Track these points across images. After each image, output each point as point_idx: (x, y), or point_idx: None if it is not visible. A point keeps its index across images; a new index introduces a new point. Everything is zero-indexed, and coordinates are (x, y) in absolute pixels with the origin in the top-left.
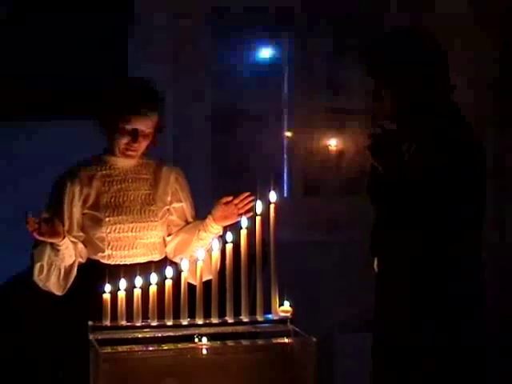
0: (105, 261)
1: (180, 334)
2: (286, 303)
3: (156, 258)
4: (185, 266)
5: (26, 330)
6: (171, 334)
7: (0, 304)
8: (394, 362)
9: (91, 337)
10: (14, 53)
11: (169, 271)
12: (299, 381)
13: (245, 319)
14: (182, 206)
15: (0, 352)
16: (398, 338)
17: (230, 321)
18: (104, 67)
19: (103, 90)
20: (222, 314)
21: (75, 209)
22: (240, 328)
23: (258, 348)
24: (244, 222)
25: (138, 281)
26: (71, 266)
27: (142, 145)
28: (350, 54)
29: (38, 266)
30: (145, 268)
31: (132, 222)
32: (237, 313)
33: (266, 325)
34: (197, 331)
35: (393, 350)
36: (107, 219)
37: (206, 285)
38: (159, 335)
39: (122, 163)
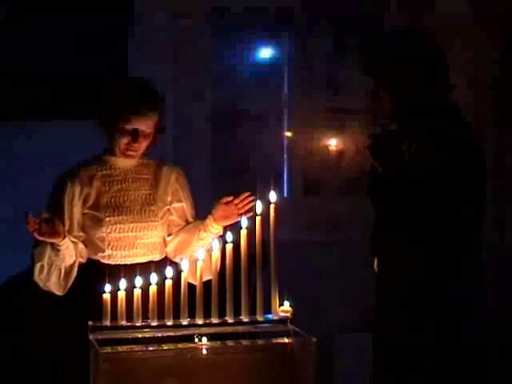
0: (105, 261)
1: (180, 334)
2: (286, 303)
3: (156, 257)
4: (185, 265)
5: (26, 330)
6: (171, 333)
7: (0, 304)
8: (394, 362)
9: (91, 337)
10: (14, 53)
11: (169, 271)
12: (299, 381)
13: (245, 319)
14: (183, 206)
15: (0, 352)
16: (398, 338)
17: (230, 321)
18: (104, 67)
19: (103, 89)
20: (222, 314)
21: (75, 209)
22: (240, 328)
23: (258, 348)
24: (244, 222)
25: (138, 281)
26: (71, 266)
27: (143, 145)
28: (349, 54)
29: (38, 265)
30: (145, 268)
31: (132, 222)
32: (237, 313)
33: (266, 325)
34: (197, 331)
35: (393, 350)
36: (107, 219)
37: (206, 285)
38: (159, 335)
39: (123, 163)
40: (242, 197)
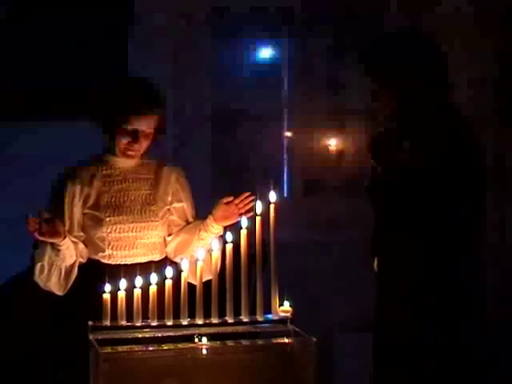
0: (105, 261)
1: (180, 334)
2: (286, 303)
3: (156, 257)
4: (185, 265)
5: (26, 330)
6: (171, 333)
7: (0, 304)
8: (394, 362)
9: (91, 337)
10: (14, 53)
11: (169, 271)
12: (299, 381)
13: (245, 319)
14: (183, 206)
15: (0, 352)
16: (398, 338)
17: (230, 321)
18: (104, 67)
19: (103, 90)
20: (222, 314)
21: (76, 209)
22: (240, 328)
23: (258, 348)
24: (244, 221)
25: (138, 281)
26: (72, 265)
27: (143, 145)
28: (349, 54)
29: (38, 266)
30: (145, 268)
31: (132, 222)
32: (237, 313)
33: (266, 325)
34: (197, 331)
35: (393, 350)
36: (108, 219)
37: (206, 285)
38: (159, 335)
39: (123, 163)
40: (242, 197)
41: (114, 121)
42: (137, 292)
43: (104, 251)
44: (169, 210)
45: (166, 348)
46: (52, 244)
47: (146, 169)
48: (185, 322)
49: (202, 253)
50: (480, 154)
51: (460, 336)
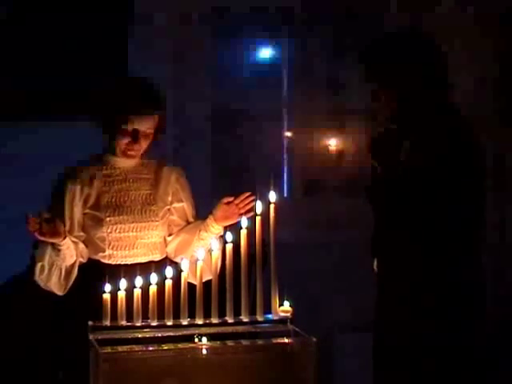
0: (105, 261)
1: (180, 334)
2: (286, 303)
3: (157, 257)
4: (185, 265)
5: (26, 330)
6: (171, 333)
7: (0, 304)
8: (394, 362)
9: (91, 337)
10: (14, 53)
11: (169, 271)
12: (299, 381)
13: (245, 319)
14: (183, 206)
15: (0, 352)
16: (398, 338)
17: (230, 321)
18: (104, 67)
19: (103, 90)
20: (222, 314)
21: (76, 209)
22: (240, 328)
23: (258, 348)
24: (244, 221)
25: (138, 281)
26: (72, 265)
27: (143, 145)
28: (349, 54)
29: (39, 266)
30: (145, 268)
31: (133, 222)
32: (237, 313)
33: (266, 325)
34: (197, 331)
35: (393, 350)
36: (108, 219)
37: (206, 285)
38: (159, 335)
39: (123, 163)
40: (242, 197)
41: (113, 121)
42: (137, 292)
43: (104, 251)
44: (169, 209)
45: (166, 348)
46: (52, 244)
47: (146, 169)
48: (185, 322)
49: (202, 253)
50: (480, 154)
51: (460, 336)
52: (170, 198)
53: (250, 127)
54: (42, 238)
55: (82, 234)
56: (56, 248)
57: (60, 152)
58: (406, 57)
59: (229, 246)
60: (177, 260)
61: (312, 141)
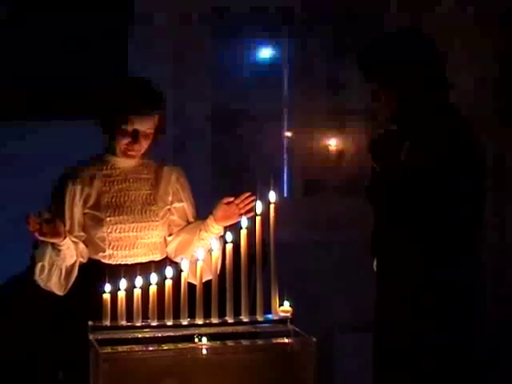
0: (106, 260)
1: (180, 334)
2: (286, 303)
3: (157, 257)
4: (185, 265)
5: (26, 330)
6: (171, 333)
7: (0, 304)
8: (394, 361)
9: (91, 337)
10: (14, 53)
11: (169, 271)
12: (299, 381)
13: (245, 319)
14: (183, 206)
15: (0, 352)
16: (398, 338)
17: (230, 321)
18: (104, 67)
19: (103, 90)
20: (222, 314)
21: (76, 209)
22: (240, 328)
23: (258, 348)
24: (244, 221)
25: (138, 281)
26: (72, 265)
27: (143, 145)
28: (349, 54)
29: (39, 266)
30: (145, 268)
31: (133, 222)
32: (237, 313)
33: (266, 325)
34: (197, 331)
35: (393, 350)
36: (108, 219)
37: (206, 285)
38: (159, 335)
39: (123, 163)
40: (242, 197)
41: (113, 121)
42: (137, 292)
43: (104, 251)
44: (169, 209)
45: (166, 348)
46: (52, 244)
47: (146, 169)
48: (185, 322)
49: (202, 253)
50: (480, 154)
51: (460, 336)
52: (170, 198)
53: (250, 127)
54: (43, 238)
55: (82, 233)
56: (56, 248)
57: (60, 152)
58: (405, 57)
59: (229, 246)
60: (177, 260)
61: (312, 141)
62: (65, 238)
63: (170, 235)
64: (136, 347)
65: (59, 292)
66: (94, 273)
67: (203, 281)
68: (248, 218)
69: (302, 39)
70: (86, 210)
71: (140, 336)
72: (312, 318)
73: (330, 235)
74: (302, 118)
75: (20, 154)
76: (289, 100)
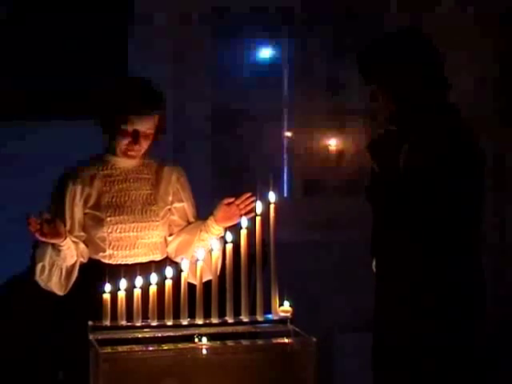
0: (106, 260)
1: (180, 334)
2: (286, 303)
3: (157, 257)
4: (185, 265)
5: (26, 330)
6: (171, 333)
7: (0, 304)
8: (394, 361)
9: (91, 337)
10: (14, 53)
11: (169, 271)
12: (299, 381)
13: (245, 319)
14: (184, 206)
15: (0, 352)
16: (398, 338)
17: (230, 321)
18: (104, 67)
19: (103, 90)
20: (222, 314)
21: (77, 209)
22: (240, 328)
23: (258, 348)
24: (244, 222)
25: (139, 281)
26: (73, 265)
27: (143, 145)
28: (349, 54)
29: (39, 266)
30: (146, 268)
31: (133, 222)
32: (237, 313)
33: (266, 325)
34: (197, 331)
35: (393, 350)
36: (108, 219)
37: (206, 285)
38: (159, 335)
39: (124, 163)
40: (243, 197)
41: (113, 121)
42: (137, 292)
43: (105, 251)
44: (169, 209)
45: (166, 348)
46: (53, 244)
47: (146, 169)
48: (185, 322)
49: (202, 253)
50: (479, 154)
51: (460, 336)
52: (170, 198)
53: (250, 127)
54: (43, 239)
55: (82, 233)
56: (57, 248)
57: (60, 152)
58: (405, 57)
59: (229, 246)
60: (177, 260)
61: (312, 141)
62: (65, 238)
63: (170, 235)
64: (136, 347)
65: (60, 292)
66: (94, 273)
67: (203, 281)
68: (248, 218)
69: (302, 39)
70: (87, 210)
71: (140, 336)
72: (312, 318)
73: (330, 235)
74: (302, 118)
75: (20, 153)
76: (289, 100)
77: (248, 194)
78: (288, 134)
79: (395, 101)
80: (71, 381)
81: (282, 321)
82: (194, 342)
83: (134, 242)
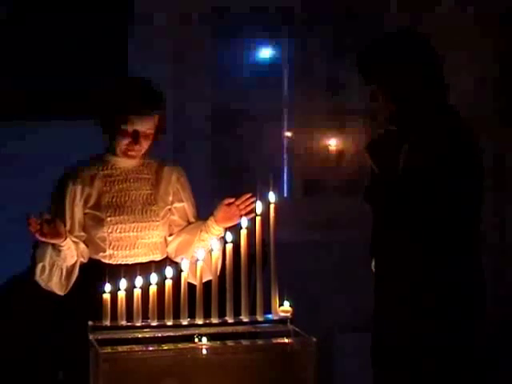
0: (106, 260)
1: (180, 334)
2: (286, 303)
3: (157, 257)
4: (185, 266)
5: (26, 330)
6: (171, 333)
7: (0, 304)
8: (394, 361)
9: (91, 337)
10: (14, 53)
11: (169, 271)
12: (299, 381)
13: (245, 319)
14: (184, 206)
15: (0, 352)
16: (398, 338)
17: (230, 321)
18: (104, 67)
19: (103, 90)
20: (222, 314)
21: (77, 209)
22: (240, 328)
23: (258, 348)
24: (244, 222)
25: (139, 281)
26: (73, 265)
27: (143, 145)
28: (350, 54)
29: (39, 266)
30: (146, 268)
31: (133, 222)
32: (237, 313)
33: (266, 325)
34: (197, 331)
35: (392, 350)
36: (108, 219)
37: (206, 285)
38: (159, 335)
39: (124, 163)
40: (243, 198)
41: (113, 121)
42: (137, 292)
43: (105, 251)
44: (170, 209)
45: (166, 348)
46: (53, 244)
47: (146, 169)
48: (185, 322)
49: (202, 253)
50: (479, 154)
51: (460, 336)
52: (170, 198)
53: (250, 127)
54: (43, 239)
55: (82, 233)
56: (57, 248)
57: (60, 152)
58: (406, 57)
59: (229, 246)
60: (177, 260)
61: (312, 141)
62: (65, 238)
63: (170, 235)
64: (136, 347)
65: (60, 292)
66: (94, 273)
67: (203, 281)
68: (248, 219)
69: (302, 39)
70: (87, 210)
71: (140, 336)
72: (312, 318)
73: (330, 235)
74: (302, 118)
75: (20, 153)
76: (289, 100)
77: (248, 195)
78: (288, 134)
79: (395, 101)
80: (71, 381)
81: (282, 321)
82: (194, 342)
83: (134, 241)
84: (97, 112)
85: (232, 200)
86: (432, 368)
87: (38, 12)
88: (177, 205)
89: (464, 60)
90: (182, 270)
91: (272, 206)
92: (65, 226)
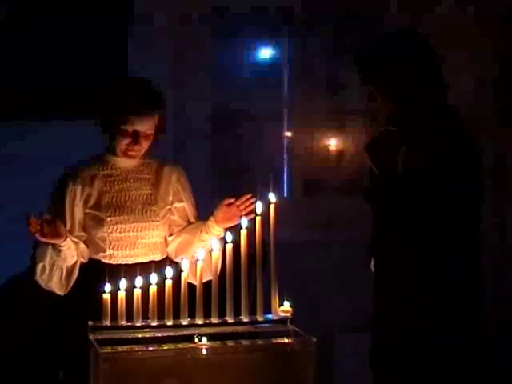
0: (106, 260)
1: (180, 334)
2: (286, 303)
3: (157, 257)
4: (185, 266)
5: (26, 330)
6: (171, 333)
7: (0, 304)
8: (394, 361)
9: (91, 337)
10: (14, 53)
11: (169, 271)
12: (299, 381)
13: (245, 319)
14: (184, 206)
15: (0, 352)
16: (397, 338)
17: (230, 321)
18: (104, 67)
19: (103, 90)
20: (222, 314)
21: (77, 209)
22: (240, 328)
23: (258, 348)
24: (244, 222)
25: (139, 281)
26: (73, 265)
27: (144, 145)
28: (349, 54)
29: (40, 266)
30: (146, 268)
31: (133, 222)
32: (237, 313)
33: (266, 325)
34: (197, 331)
35: (392, 350)
36: (109, 219)
37: (206, 285)
38: (159, 335)
39: (124, 163)
40: (243, 198)
41: (113, 121)
42: (137, 292)
43: (105, 251)
44: (170, 209)
45: (166, 348)
46: (53, 244)
47: (146, 169)
48: (185, 322)
49: (202, 253)
50: (478, 154)
51: (460, 336)
52: (170, 198)
53: (250, 127)
54: (43, 239)
55: (82, 234)
56: (57, 248)
57: (60, 152)
58: (406, 57)
59: (229, 246)
60: (177, 260)
61: (312, 141)
62: (66, 238)
63: (170, 235)
64: (136, 347)
65: (60, 292)
66: (94, 273)
67: (203, 281)
68: (248, 219)
69: (302, 39)
70: (87, 210)
71: (140, 336)
72: (312, 318)
73: (330, 235)
74: (302, 118)
75: (20, 153)
76: (289, 100)
77: (248, 195)
78: (288, 134)
79: (395, 101)
80: (71, 381)
81: (282, 321)
82: (194, 342)
83: (134, 241)
84: (97, 112)
85: (232, 200)
86: (432, 368)
87: (38, 12)
88: (177, 205)
89: (464, 60)
90: (182, 270)
91: (272, 206)
92: (65, 226)
